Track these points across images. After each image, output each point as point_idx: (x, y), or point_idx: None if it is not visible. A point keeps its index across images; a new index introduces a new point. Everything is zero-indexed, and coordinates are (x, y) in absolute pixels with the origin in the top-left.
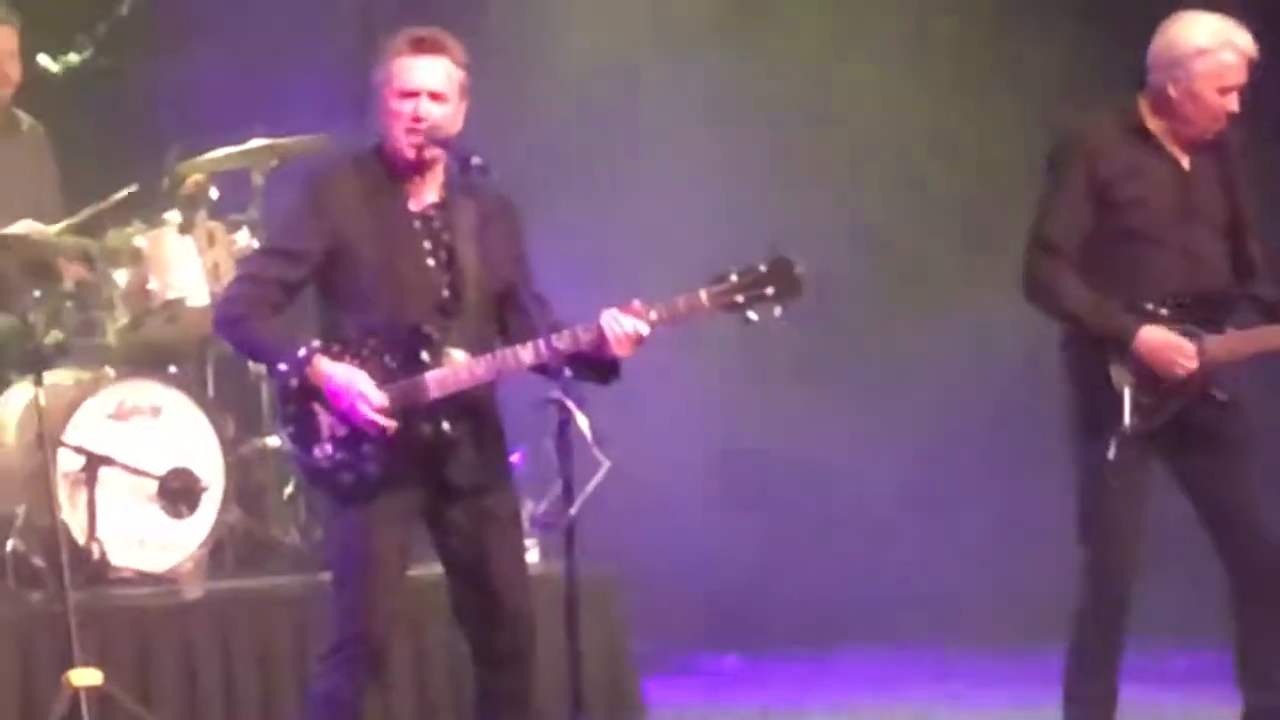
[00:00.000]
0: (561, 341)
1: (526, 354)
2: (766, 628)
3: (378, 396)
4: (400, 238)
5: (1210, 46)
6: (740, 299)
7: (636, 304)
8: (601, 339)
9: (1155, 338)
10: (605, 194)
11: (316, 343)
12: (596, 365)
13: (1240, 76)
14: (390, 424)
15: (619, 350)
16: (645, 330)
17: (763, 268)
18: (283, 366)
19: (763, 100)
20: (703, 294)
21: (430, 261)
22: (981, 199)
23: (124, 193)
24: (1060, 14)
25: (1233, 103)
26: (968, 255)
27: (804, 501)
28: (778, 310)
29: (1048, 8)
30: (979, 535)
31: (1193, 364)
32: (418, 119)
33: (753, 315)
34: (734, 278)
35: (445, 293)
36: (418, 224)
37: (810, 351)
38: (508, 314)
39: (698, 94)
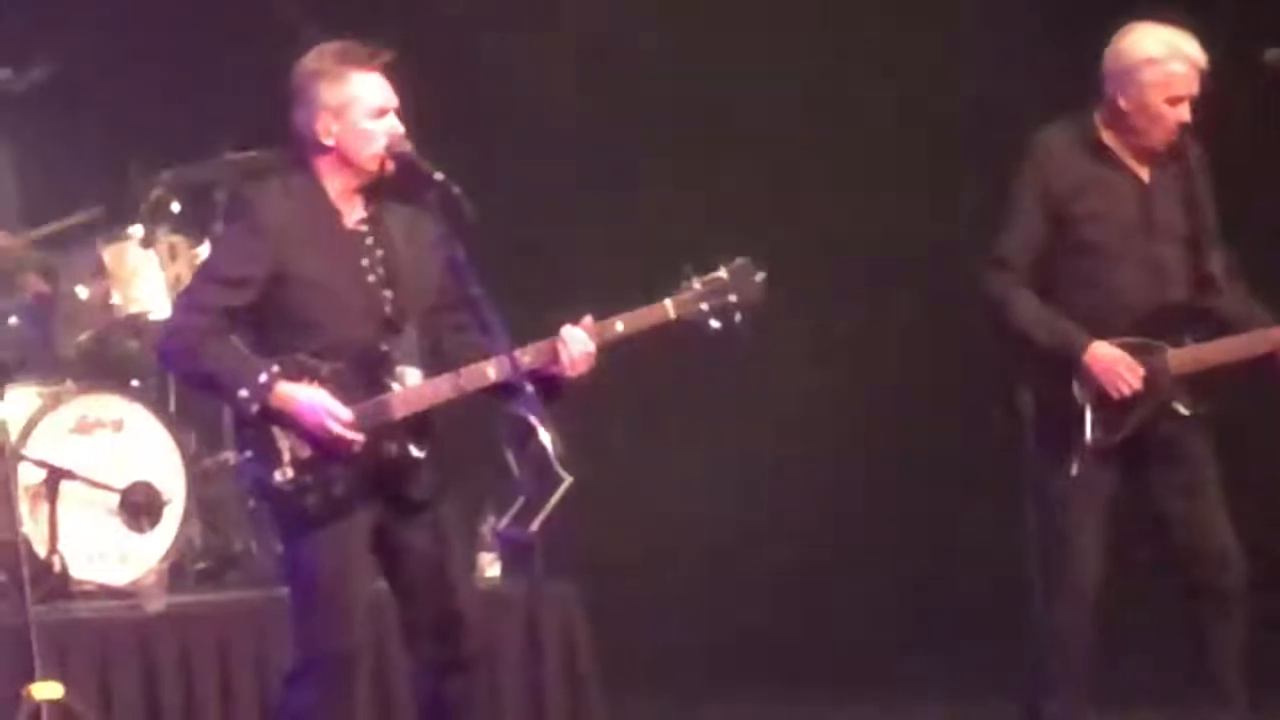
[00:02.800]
0: (528, 357)
1: (491, 370)
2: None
3: (345, 413)
4: (339, 256)
5: (1159, 57)
6: (704, 307)
7: (588, 320)
8: (554, 357)
9: (1102, 355)
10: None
11: (276, 367)
12: (543, 382)
13: (1190, 87)
14: (359, 438)
15: (570, 370)
16: (591, 348)
17: (723, 274)
18: (243, 393)
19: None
20: (668, 304)
21: (370, 278)
22: None
23: (87, 215)
24: None
25: (1183, 113)
26: None
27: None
28: (738, 317)
29: None
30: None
31: (1136, 383)
32: (393, 136)
33: (715, 324)
34: (697, 285)
35: (388, 309)
36: (354, 240)
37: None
38: (442, 323)
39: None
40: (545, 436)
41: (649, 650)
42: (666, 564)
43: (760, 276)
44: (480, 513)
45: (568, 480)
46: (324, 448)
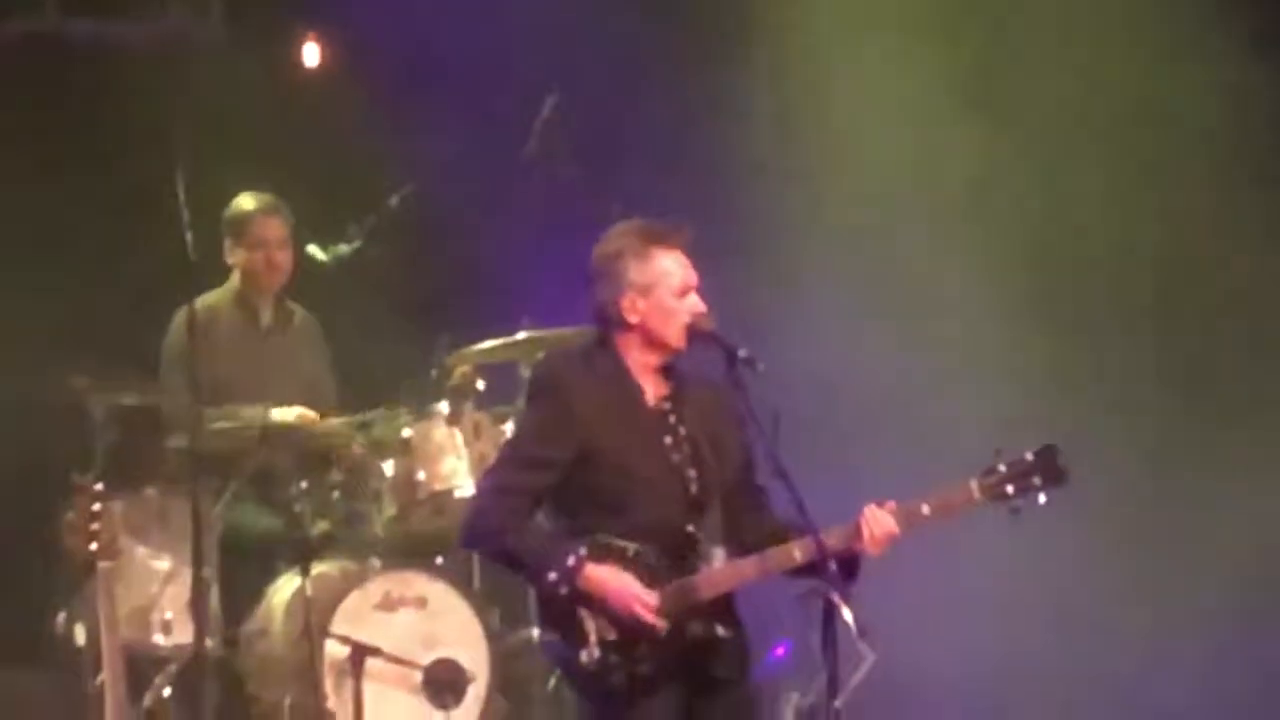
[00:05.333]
0: (833, 539)
1: (797, 553)
2: None
3: (651, 598)
4: (643, 435)
5: None
6: (1010, 489)
7: (892, 504)
8: (857, 536)
9: None
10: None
11: (584, 550)
12: (844, 560)
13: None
14: (663, 625)
15: (872, 549)
16: (896, 529)
17: (1029, 456)
18: (552, 576)
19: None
20: (973, 485)
21: (675, 457)
22: None
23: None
24: None
25: None
26: None
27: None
28: (1042, 498)
29: None
30: None
31: None
32: (698, 315)
33: (1019, 504)
34: (1003, 468)
35: (693, 488)
36: (657, 420)
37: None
38: (738, 502)
39: None
40: (848, 613)
41: None
42: None
43: (1063, 459)
44: (784, 690)
45: (872, 657)
46: (629, 631)
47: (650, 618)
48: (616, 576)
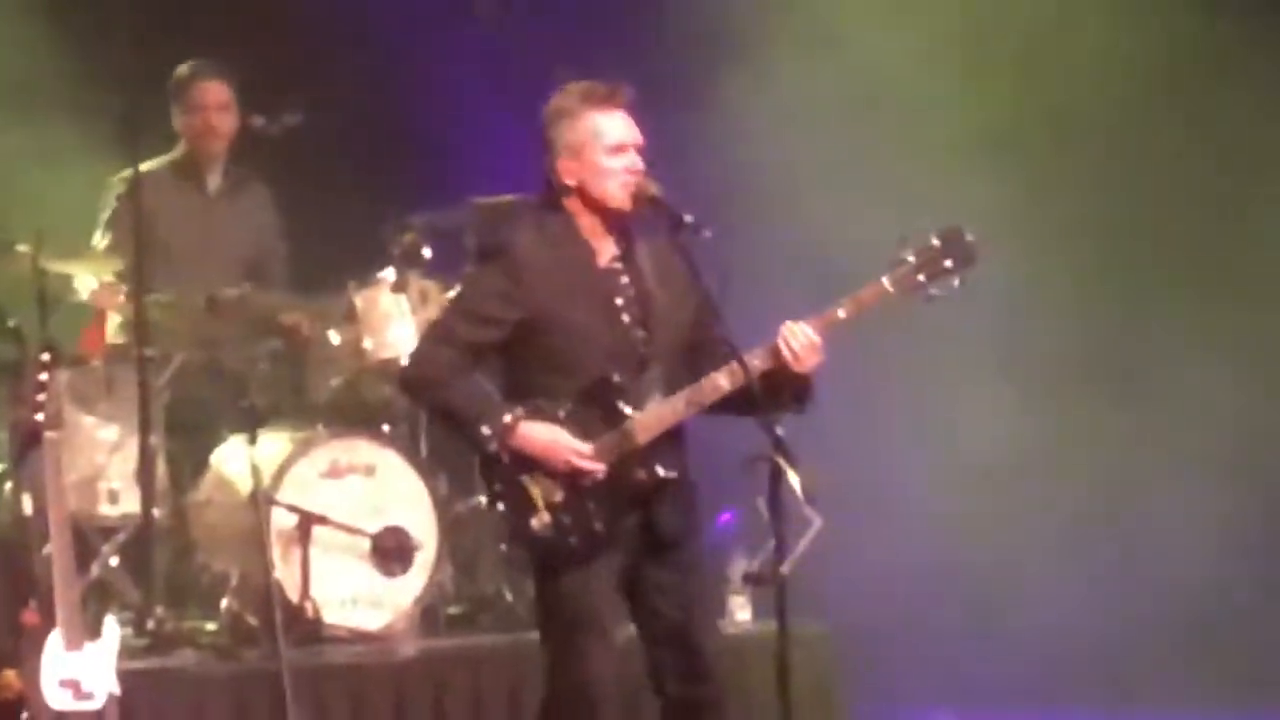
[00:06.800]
0: (757, 360)
1: (723, 379)
2: (986, 682)
3: (584, 446)
4: (593, 296)
5: None
6: (921, 277)
7: (810, 317)
8: (779, 352)
9: None
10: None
11: (520, 409)
12: (790, 387)
13: None
14: (600, 468)
15: (796, 364)
16: (816, 337)
17: (935, 241)
18: (485, 430)
19: None
20: (885, 280)
21: (625, 318)
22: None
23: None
24: None
25: None
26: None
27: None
28: (956, 282)
29: None
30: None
31: None
32: (634, 171)
33: (935, 291)
34: (911, 258)
35: (641, 349)
36: (608, 281)
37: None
38: (700, 357)
39: None
40: (794, 479)
41: (900, 692)
42: (922, 606)
43: (971, 236)
44: (730, 557)
45: (818, 522)
46: (571, 486)
47: (586, 463)
48: (547, 430)
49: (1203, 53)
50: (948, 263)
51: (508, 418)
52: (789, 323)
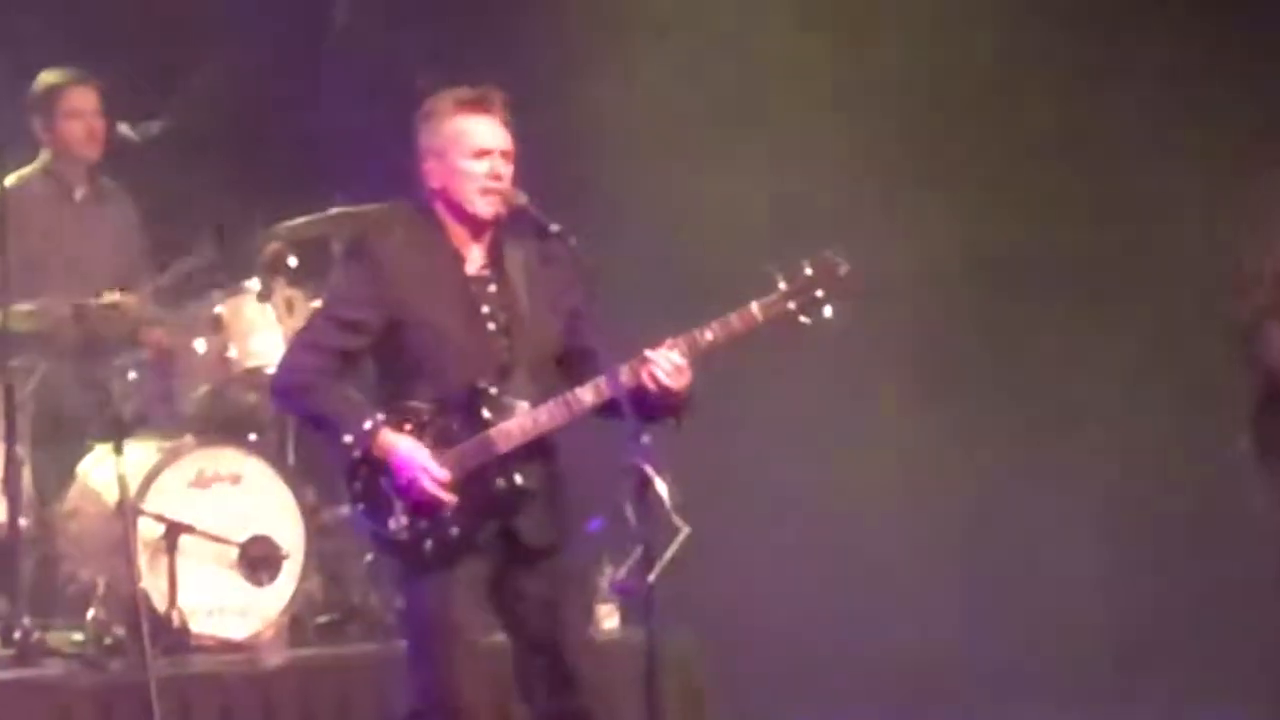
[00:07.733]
0: (623, 375)
1: (586, 394)
2: (848, 688)
3: (438, 470)
4: (460, 305)
5: None
6: (792, 306)
7: (669, 340)
8: (641, 370)
9: None
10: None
11: (381, 415)
12: (663, 404)
13: None
14: (450, 499)
15: (652, 383)
16: (680, 360)
17: (809, 270)
18: (348, 438)
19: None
20: (754, 307)
21: (491, 325)
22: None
23: (198, 260)
24: None
25: None
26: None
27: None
28: (828, 311)
29: None
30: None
31: None
32: (496, 178)
33: (805, 320)
34: (782, 285)
35: (504, 356)
36: (475, 288)
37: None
38: (572, 367)
39: None
40: (661, 487)
41: (769, 700)
42: (787, 612)
43: (845, 268)
44: (598, 564)
45: (685, 530)
46: (417, 505)
47: (436, 491)
48: (408, 445)
49: (1084, 63)
50: (819, 292)
51: (369, 424)
52: (649, 352)
